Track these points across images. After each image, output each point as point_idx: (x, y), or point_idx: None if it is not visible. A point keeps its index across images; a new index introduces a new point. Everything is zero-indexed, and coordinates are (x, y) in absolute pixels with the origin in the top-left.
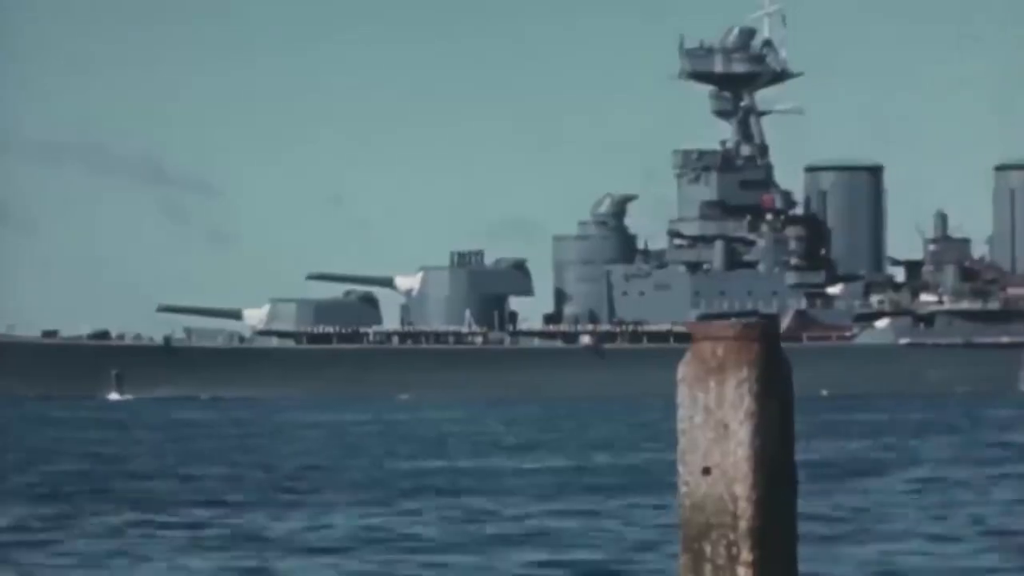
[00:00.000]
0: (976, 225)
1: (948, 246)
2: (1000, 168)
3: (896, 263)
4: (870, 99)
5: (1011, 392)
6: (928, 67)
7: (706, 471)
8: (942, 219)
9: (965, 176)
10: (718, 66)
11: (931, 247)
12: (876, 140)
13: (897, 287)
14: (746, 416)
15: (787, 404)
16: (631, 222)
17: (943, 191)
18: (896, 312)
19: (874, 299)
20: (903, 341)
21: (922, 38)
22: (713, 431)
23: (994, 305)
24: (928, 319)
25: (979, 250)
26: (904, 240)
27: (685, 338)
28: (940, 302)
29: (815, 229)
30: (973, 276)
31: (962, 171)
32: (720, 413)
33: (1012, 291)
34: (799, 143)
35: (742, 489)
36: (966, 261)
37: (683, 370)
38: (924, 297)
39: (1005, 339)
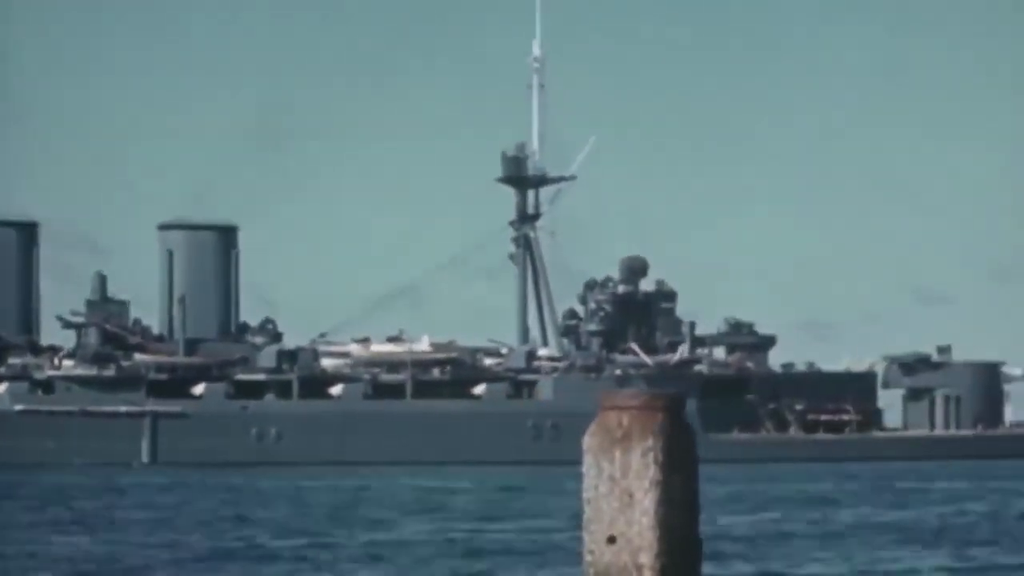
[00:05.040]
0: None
1: (97, 309)
2: (163, 227)
3: (69, 325)
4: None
5: (136, 464)
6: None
7: (611, 540)
8: (101, 280)
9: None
10: None
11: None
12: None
13: (39, 350)
14: (651, 485)
15: (692, 473)
16: None
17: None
18: (15, 376)
19: (15, 363)
20: (19, 407)
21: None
22: (618, 500)
23: (110, 372)
24: (47, 385)
25: (149, 313)
26: None
27: None
28: (57, 367)
29: None
30: (117, 340)
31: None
32: (625, 482)
33: (140, 357)
34: None
35: (647, 558)
36: (109, 324)
37: (588, 439)
38: (59, 362)
39: (123, 408)
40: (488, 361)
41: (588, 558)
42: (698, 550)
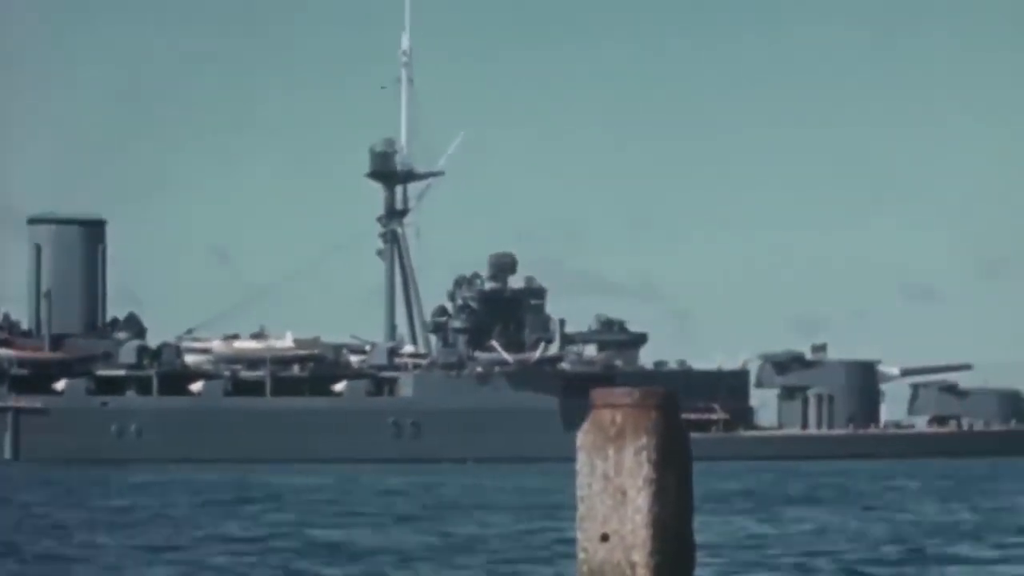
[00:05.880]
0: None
1: None
2: (32, 221)
3: None
4: None
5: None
6: None
7: (604, 538)
8: None
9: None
10: None
11: None
12: None
13: None
14: (644, 483)
15: (685, 471)
16: None
17: None
18: None
19: None
20: None
21: None
22: (611, 498)
23: None
24: None
25: (19, 307)
26: None
27: None
28: None
29: None
30: None
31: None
32: (618, 480)
33: (1, 352)
34: None
35: (640, 556)
36: None
37: (582, 437)
38: None
39: None
40: (353, 358)
41: (581, 556)
42: (691, 548)
